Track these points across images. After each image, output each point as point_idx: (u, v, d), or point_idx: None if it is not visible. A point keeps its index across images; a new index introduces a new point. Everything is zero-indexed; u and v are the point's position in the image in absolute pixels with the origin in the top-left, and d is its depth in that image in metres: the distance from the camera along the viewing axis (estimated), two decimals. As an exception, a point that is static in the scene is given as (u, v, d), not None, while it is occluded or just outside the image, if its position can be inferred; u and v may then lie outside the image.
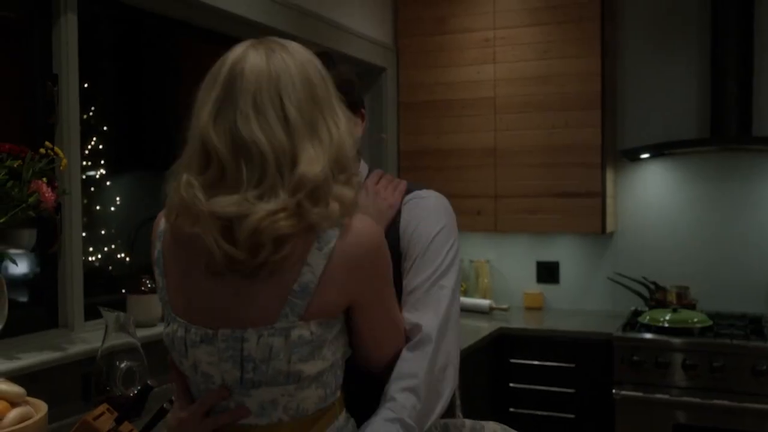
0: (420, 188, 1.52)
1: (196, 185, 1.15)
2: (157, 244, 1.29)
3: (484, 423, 1.50)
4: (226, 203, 1.12)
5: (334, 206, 1.16)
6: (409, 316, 1.36)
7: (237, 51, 1.21)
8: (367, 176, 1.54)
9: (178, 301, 1.24)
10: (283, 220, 1.11)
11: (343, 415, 1.28)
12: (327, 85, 1.22)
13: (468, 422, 1.47)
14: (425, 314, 1.35)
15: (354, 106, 1.48)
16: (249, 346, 1.16)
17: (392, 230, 1.44)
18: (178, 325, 1.23)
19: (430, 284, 1.38)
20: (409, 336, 1.34)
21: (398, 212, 1.47)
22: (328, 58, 1.39)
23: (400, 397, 1.27)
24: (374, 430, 1.23)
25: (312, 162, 1.14)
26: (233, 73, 1.17)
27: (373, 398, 1.32)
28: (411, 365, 1.30)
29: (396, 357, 1.32)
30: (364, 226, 1.21)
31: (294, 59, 1.20)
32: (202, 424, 1.22)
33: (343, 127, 1.21)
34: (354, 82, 1.50)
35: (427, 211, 1.46)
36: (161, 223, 1.28)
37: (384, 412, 1.26)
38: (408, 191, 1.51)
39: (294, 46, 1.23)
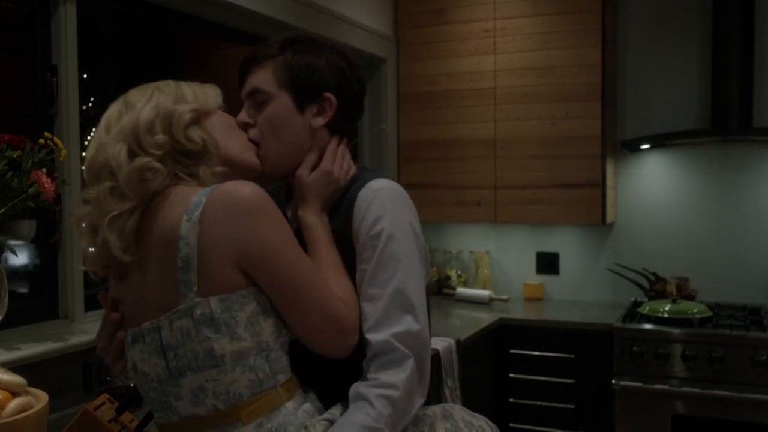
0: (372, 177, 1.45)
1: None
2: None
3: (449, 406, 1.48)
4: None
5: (104, 185, 1.25)
6: (376, 330, 1.31)
7: None
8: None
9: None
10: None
11: (291, 404, 1.26)
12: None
13: (437, 409, 1.45)
14: (392, 327, 1.30)
15: (308, 93, 1.45)
16: (165, 334, 1.21)
17: (345, 224, 1.40)
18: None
19: (390, 294, 1.32)
20: (381, 346, 1.29)
21: (350, 206, 1.41)
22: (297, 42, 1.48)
23: (378, 404, 1.24)
24: None
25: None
26: None
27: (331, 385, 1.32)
28: (392, 378, 1.27)
29: (331, 337, 1.26)
30: (234, 187, 1.22)
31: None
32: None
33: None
34: (312, 67, 1.46)
35: (377, 210, 1.37)
36: None
37: (361, 417, 1.23)
38: (362, 179, 1.45)
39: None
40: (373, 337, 1.30)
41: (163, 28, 2.93)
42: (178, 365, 1.21)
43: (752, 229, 3.65)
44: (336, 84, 1.47)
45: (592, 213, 3.59)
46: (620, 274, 3.80)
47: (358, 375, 1.32)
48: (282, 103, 1.44)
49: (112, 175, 1.24)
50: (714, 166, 3.72)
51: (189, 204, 1.20)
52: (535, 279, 4.03)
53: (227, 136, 1.36)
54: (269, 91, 1.44)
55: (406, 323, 1.31)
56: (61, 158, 1.92)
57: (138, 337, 1.25)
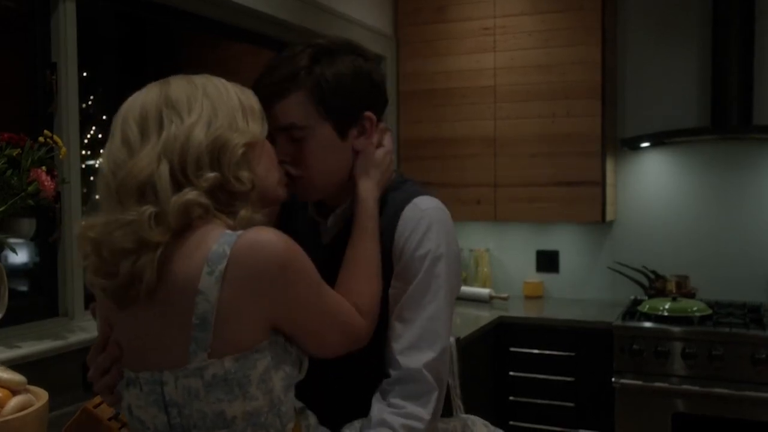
0: (416, 192, 1.44)
1: None
2: None
3: (468, 419, 1.48)
4: None
5: (147, 209, 1.08)
6: (408, 354, 1.31)
7: None
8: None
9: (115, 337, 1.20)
10: (116, 230, 1.09)
11: None
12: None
13: (457, 423, 1.46)
14: (424, 354, 1.31)
15: (347, 117, 1.37)
16: (169, 390, 1.11)
17: (387, 240, 1.37)
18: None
19: (426, 319, 1.33)
20: (412, 374, 1.30)
21: (393, 222, 1.38)
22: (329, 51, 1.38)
23: None
24: None
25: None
26: None
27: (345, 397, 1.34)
28: (418, 410, 1.28)
29: (343, 347, 1.24)
30: (259, 239, 1.09)
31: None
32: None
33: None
34: (343, 86, 1.36)
35: (424, 232, 1.36)
36: None
37: None
38: (404, 190, 1.44)
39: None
40: (404, 361, 1.31)
41: (163, 27, 2.93)
42: (182, 422, 1.11)
43: (752, 227, 3.65)
44: (368, 94, 1.40)
45: (592, 211, 3.59)
46: (620, 272, 3.80)
47: (370, 393, 1.33)
48: (324, 134, 1.36)
49: (155, 198, 1.09)
50: (714, 164, 3.71)
51: (209, 251, 1.07)
52: (535, 277, 4.03)
53: (267, 170, 1.25)
54: (308, 126, 1.34)
55: (436, 351, 1.32)
56: (60, 156, 1.92)
57: (134, 382, 1.14)
